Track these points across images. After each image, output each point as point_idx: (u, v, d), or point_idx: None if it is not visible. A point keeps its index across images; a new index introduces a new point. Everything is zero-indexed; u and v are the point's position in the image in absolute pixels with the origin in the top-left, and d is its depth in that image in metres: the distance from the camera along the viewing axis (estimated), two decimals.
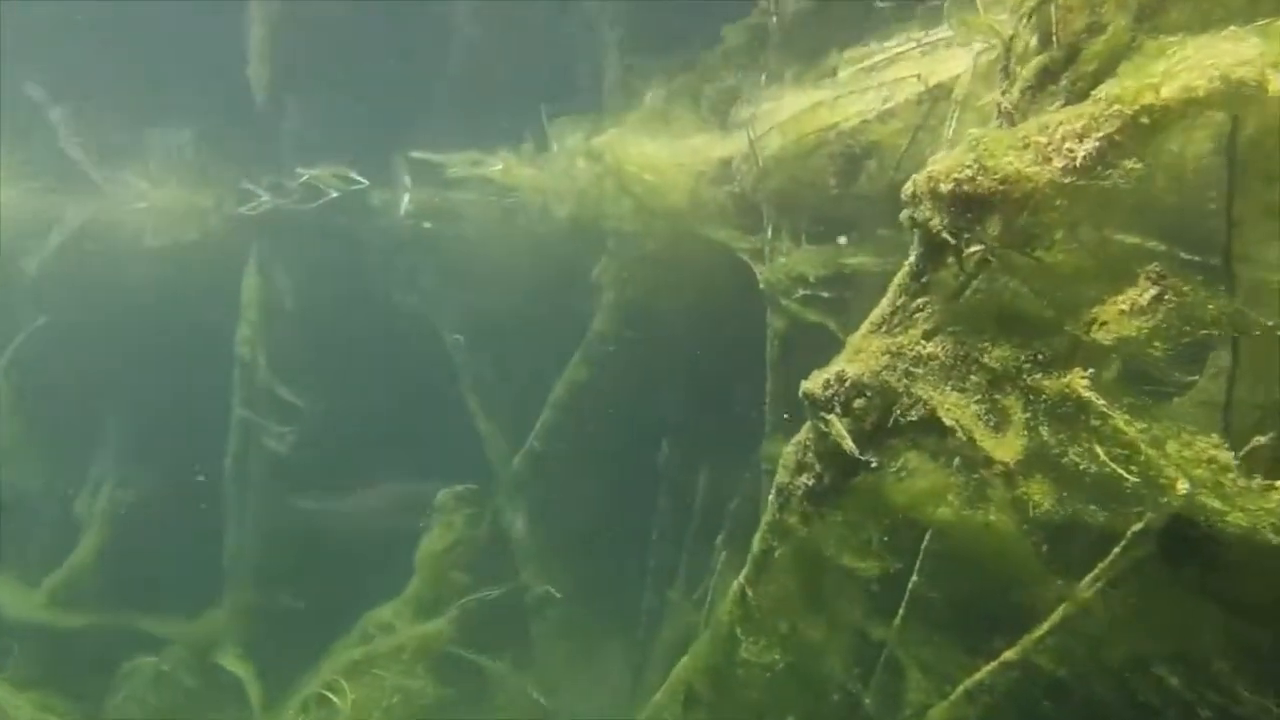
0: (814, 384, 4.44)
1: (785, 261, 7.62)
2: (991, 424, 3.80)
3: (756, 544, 5.48)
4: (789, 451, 4.95)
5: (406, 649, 8.00)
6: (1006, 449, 3.70)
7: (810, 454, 4.73)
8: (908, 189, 4.07)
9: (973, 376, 3.83)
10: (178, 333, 12.53)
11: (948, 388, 3.90)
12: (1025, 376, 3.72)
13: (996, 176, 3.57)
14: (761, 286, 8.16)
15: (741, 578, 5.62)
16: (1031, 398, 3.71)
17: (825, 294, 7.36)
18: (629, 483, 12.09)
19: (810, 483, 4.76)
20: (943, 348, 3.92)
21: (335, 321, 13.12)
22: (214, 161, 12.97)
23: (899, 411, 4.15)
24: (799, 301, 7.61)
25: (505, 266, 13.30)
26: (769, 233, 7.99)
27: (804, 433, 4.86)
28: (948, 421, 3.86)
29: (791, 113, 7.55)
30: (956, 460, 4.49)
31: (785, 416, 8.09)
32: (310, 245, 12.95)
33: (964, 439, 3.81)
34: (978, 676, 5.33)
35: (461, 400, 12.00)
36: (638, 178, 9.02)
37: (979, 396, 3.82)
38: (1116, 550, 4.17)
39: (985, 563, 4.57)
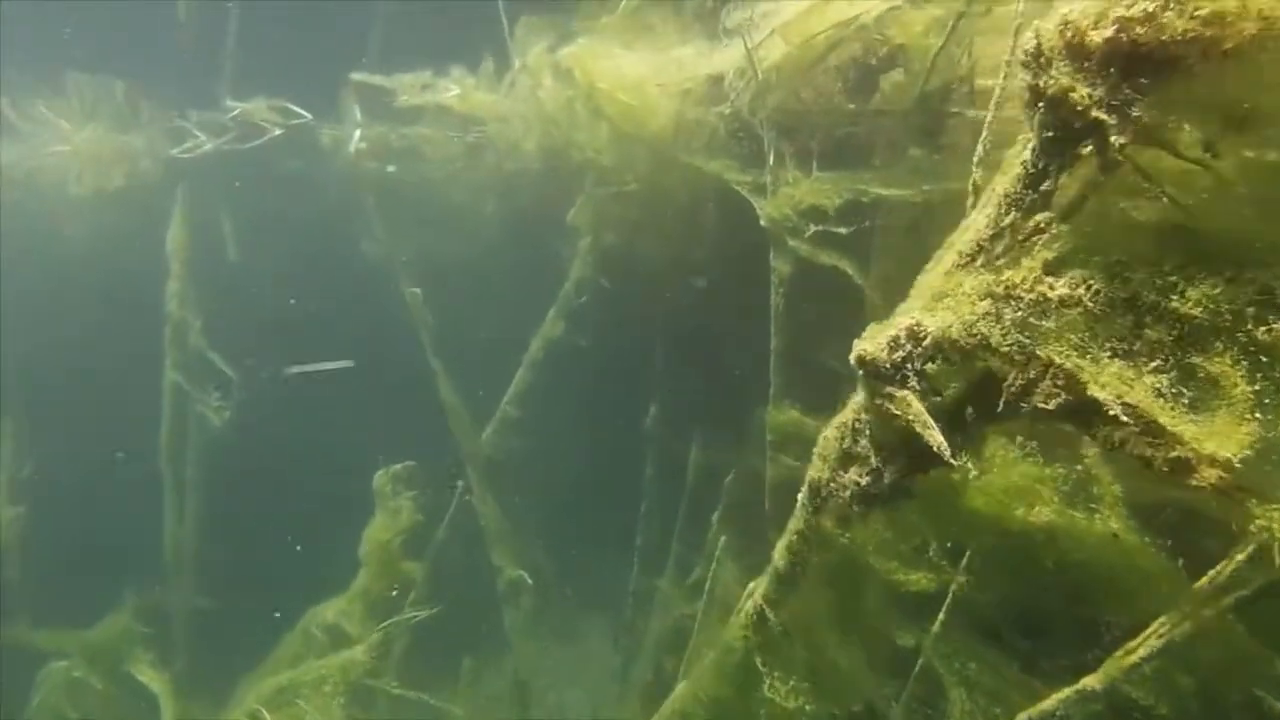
0: (874, 344, 3.10)
1: (792, 193, 6.27)
2: (1184, 403, 2.46)
3: (781, 556, 4.20)
4: (829, 438, 3.63)
5: (328, 680, 6.76)
6: (1226, 440, 2.36)
7: (863, 442, 3.39)
8: (1028, 43, 2.66)
9: (1146, 330, 2.48)
10: (106, 290, 11.19)
11: (1100, 348, 2.55)
12: (1245, 328, 2.37)
13: (1197, 14, 2.20)
14: (763, 224, 6.81)
15: (759, 596, 4.34)
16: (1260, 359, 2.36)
17: (842, 230, 5.99)
18: (612, 452, 10.83)
19: (863, 481, 3.43)
20: (1086, 288, 2.56)
21: (285, 275, 11.78)
22: (145, 100, 11.50)
23: (1013, 384, 2.80)
24: (809, 241, 6.26)
25: (471, 211, 11.92)
26: (771, 160, 6.62)
27: (851, 412, 3.53)
28: (1107, 401, 2.52)
29: (796, 12, 6.17)
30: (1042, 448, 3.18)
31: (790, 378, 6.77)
32: (253, 190, 11.52)
33: (1133, 425, 2.46)
34: (1046, 706, 4.13)
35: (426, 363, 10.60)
36: (612, 99, 7.66)
37: (1159, 361, 2.47)
38: None
39: (1088, 578, 3.27)
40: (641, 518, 10.07)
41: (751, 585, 5.70)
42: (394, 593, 7.85)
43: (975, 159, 3.51)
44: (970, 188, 3.42)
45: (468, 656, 10.16)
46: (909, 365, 2.99)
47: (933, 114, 5.64)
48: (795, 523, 4.01)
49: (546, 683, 10.62)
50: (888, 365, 3.05)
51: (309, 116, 10.81)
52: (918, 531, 3.57)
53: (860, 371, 3.17)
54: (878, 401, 3.15)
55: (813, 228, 6.37)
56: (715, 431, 9.47)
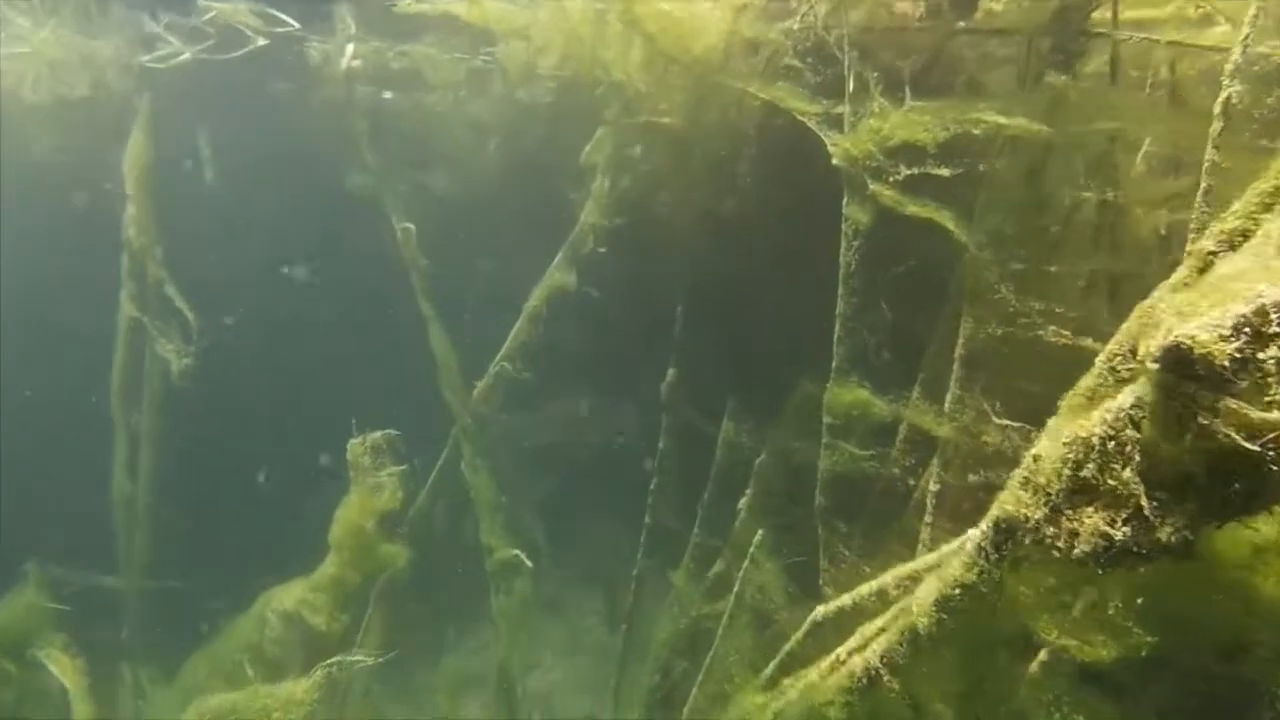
0: (1200, 331, 1.94)
1: (878, 126, 5.10)
2: None
3: (926, 613, 3.07)
4: (1050, 459, 2.48)
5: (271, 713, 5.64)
6: None
7: (1126, 473, 2.24)
8: None
9: None
10: (61, 211, 9.96)
11: None
12: None
13: None
14: (836, 164, 5.65)
15: (875, 653, 3.18)
16: None
17: (943, 172, 4.84)
18: (620, 419, 9.74)
19: (1122, 531, 2.28)
20: None
21: (263, 203, 10.54)
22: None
23: None
24: (895, 185, 5.11)
25: (472, 147, 10.87)
26: (850, 86, 5.45)
27: (1105, 425, 2.37)
28: None
29: None
30: None
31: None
32: (230, 108, 10.23)
33: None
34: None
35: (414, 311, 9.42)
36: (653, 11, 6.46)
37: None
38: None
39: None
40: (652, 494, 8.92)
41: (820, 611, 4.62)
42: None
43: None
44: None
45: (451, 628, 9.09)
46: (1246, 363, 1.85)
47: (1073, 34, 4.46)
48: (961, 571, 2.89)
49: (531, 659, 9.58)
50: (1220, 362, 1.92)
51: (296, 25, 9.56)
52: (1158, 599, 2.46)
53: (1159, 368, 2.03)
54: (1181, 414, 2.01)
55: (900, 169, 5.19)
56: (743, 405, 8.35)
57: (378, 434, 6.85)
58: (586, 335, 9.65)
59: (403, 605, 8.31)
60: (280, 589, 6.98)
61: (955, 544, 3.23)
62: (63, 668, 6.94)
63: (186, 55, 10.17)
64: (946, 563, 2.95)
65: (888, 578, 3.75)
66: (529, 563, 8.17)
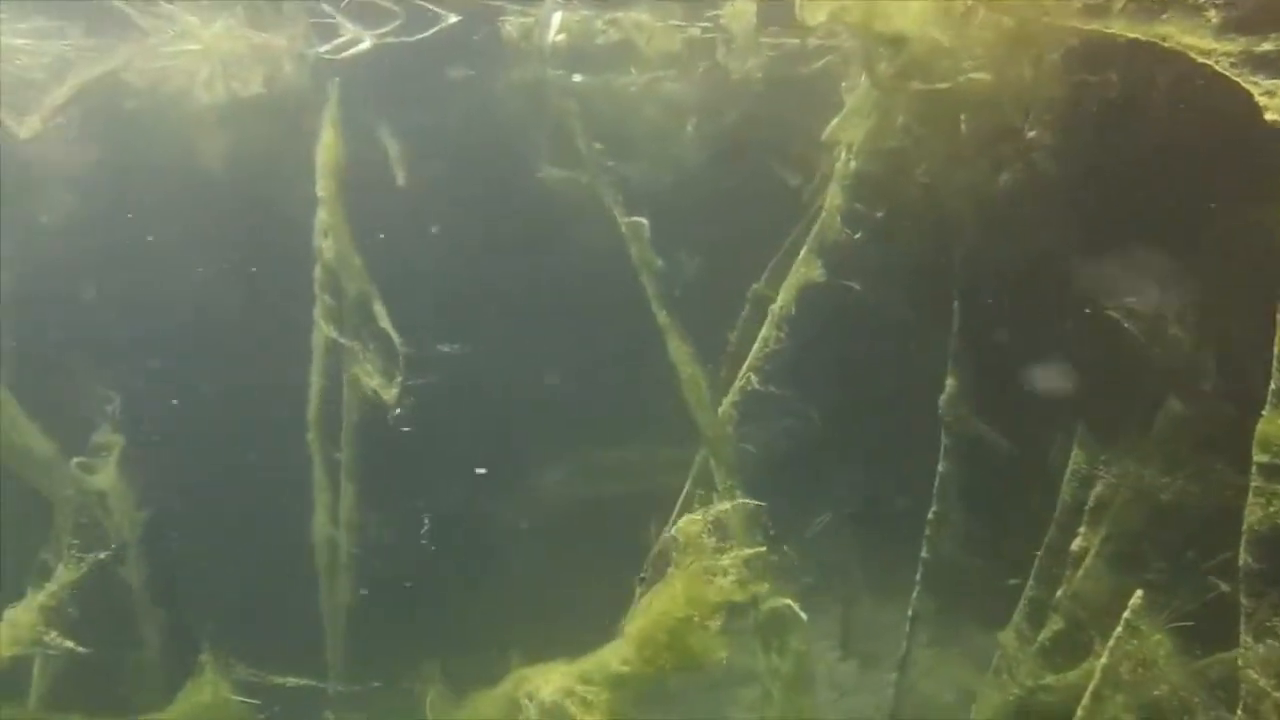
0: None
1: None
2: None
3: None
4: None
5: None
6: None
7: None
8: None
9: None
10: (245, 220, 9.05)
11: None
12: None
13: None
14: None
15: None
16: None
17: None
18: (888, 436, 8.34)
19: None
20: None
21: (461, 206, 9.40)
22: None
23: None
24: None
25: (667, 130, 9.57)
26: None
27: None
28: None
29: None
30: None
31: None
32: (408, 94, 9.29)
33: None
34: None
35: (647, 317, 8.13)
36: None
37: None
38: None
39: None
40: (930, 524, 7.55)
41: None
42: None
43: None
44: None
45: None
46: None
47: None
48: None
49: None
50: None
51: None
52: None
53: None
54: None
55: None
56: (1050, 421, 6.93)
57: (737, 503, 5.56)
58: (835, 338, 8.29)
59: None
60: (536, 672, 5.80)
61: None
62: None
63: (366, 43, 9.11)
64: None
65: None
66: (803, 615, 6.83)
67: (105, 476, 8.20)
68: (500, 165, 9.59)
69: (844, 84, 8.00)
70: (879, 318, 8.20)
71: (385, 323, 7.72)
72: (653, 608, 5.48)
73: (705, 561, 5.26)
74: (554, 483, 9.67)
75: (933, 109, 6.95)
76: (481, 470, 9.31)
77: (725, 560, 5.25)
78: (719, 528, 5.60)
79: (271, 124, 9.03)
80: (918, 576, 7.71)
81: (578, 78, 9.64)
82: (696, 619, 5.26)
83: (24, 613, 7.27)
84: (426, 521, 8.99)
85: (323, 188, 8.16)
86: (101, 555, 7.67)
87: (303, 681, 8.01)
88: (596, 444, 9.69)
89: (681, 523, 5.50)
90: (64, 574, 7.19)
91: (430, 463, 8.98)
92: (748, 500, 6.03)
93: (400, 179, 8.88)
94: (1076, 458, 6.18)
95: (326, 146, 8.27)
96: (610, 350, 9.30)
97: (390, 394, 7.71)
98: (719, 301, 8.69)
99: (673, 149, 9.66)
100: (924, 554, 7.70)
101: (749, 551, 5.41)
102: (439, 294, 9.32)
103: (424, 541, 8.92)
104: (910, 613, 7.76)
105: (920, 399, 7.76)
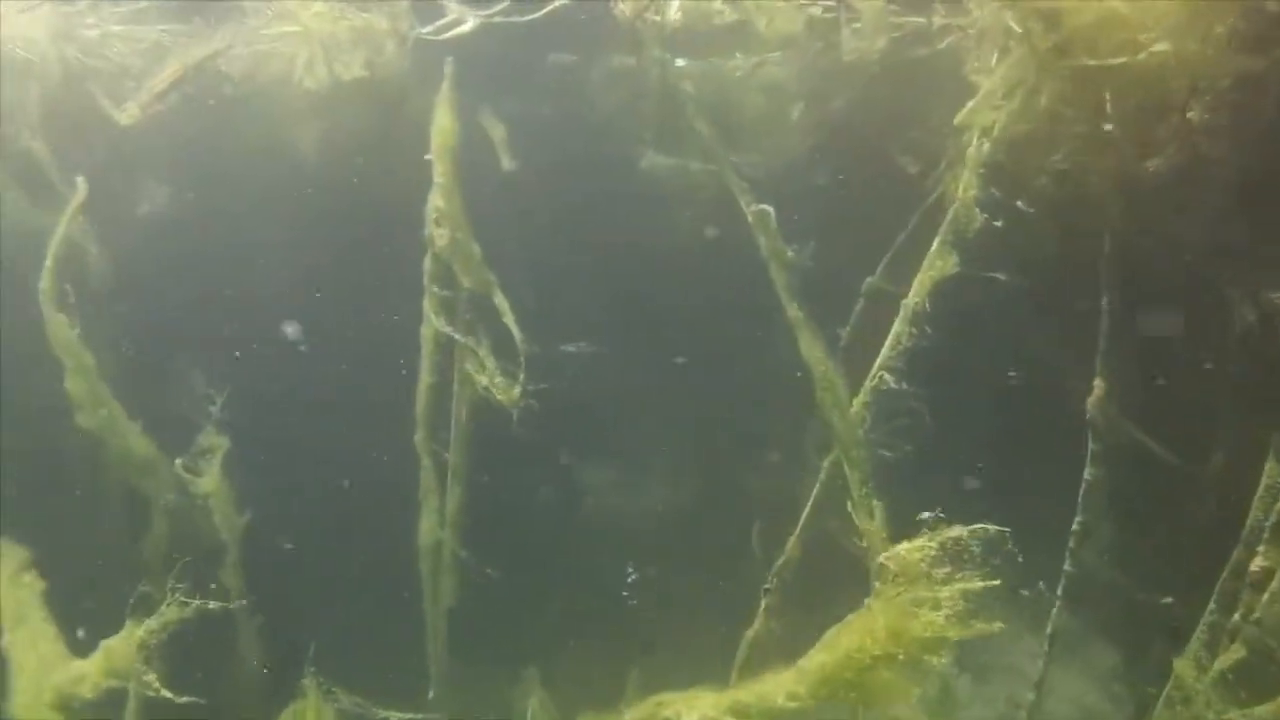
0: None
1: None
2: None
3: None
4: None
5: None
6: None
7: None
8: None
9: None
10: (347, 209, 8.78)
11: None
12: None
13: None
14: None
15: None
16: None
17: None
18: (1027, 440, 7.86)
19: None
20: None
21: (562, 195, 9.01)
22: None
23: None
24: None
25: (771, 117, 9.14)
26: None
27: None
28: None
29: None
30: None
31: None
32: (510, 79, 8.96)
33: None
34: None
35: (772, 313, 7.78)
36: None
37: None
38: None
39: None
40: (1074, 535, 7.08)
41: None
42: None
43: None
44: None
45: None
46: None
47: None
48: None
49: None
50: None
51: None
52: None
53: None
54: None
55: None
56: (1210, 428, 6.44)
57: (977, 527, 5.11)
58: (970, 334, 7.84)
59: None
60: (679, 699, 5.39)
61: None
62: None
63: (470, 24, 8.74)
64: None
65: None
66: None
67: (209, 480, 7.87)
68: (601, 154, 9.21)
69: (970, 65, 7.51)
70: (1018, 313, 7.68)
71: (509, 318, 7.30)
72: (840, 641, 5.02)
73: (917, 592, 4.78)
74: (657, 486, 9.26)
75: (1089, 87, 6.47)
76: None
77: (945, 591, 4.78)
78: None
79: (374, 109, 8.68)
80: (1059, 591, 7.23)
81: (681, 62, 9.24)
82: (896, 657, 4.81)
83: (122, 645, 7.00)
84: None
85: (440, 173, 7.75)
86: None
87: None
88: (705, 446, 9.28)
89: (901, 548, 5.04)
90: (168, 614, 6.85)
91: (536, 464, 8.66)
92: (987, 526, 5.41)
93: (507, 164, 8.47)
94: (1271, 470, 5.65)
95: (442, 130, 7.85)
96: (721, 347, 8.88)
97: (510, 394, 7.30)
98: (829, 296, 8.24)
99: (777, 136, 9.20)
100: (1067, 566, 7.21)
101: (979, 583, 4.88)
102: (540, 289, 8.95)
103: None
104: (1049, 630, 7.28)
105: (1064, 401, 7.27)
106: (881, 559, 5.13)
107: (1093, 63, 6.04)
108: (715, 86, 9.26)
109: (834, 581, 8.48)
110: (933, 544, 4.95)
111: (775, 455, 9.15)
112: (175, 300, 8.85)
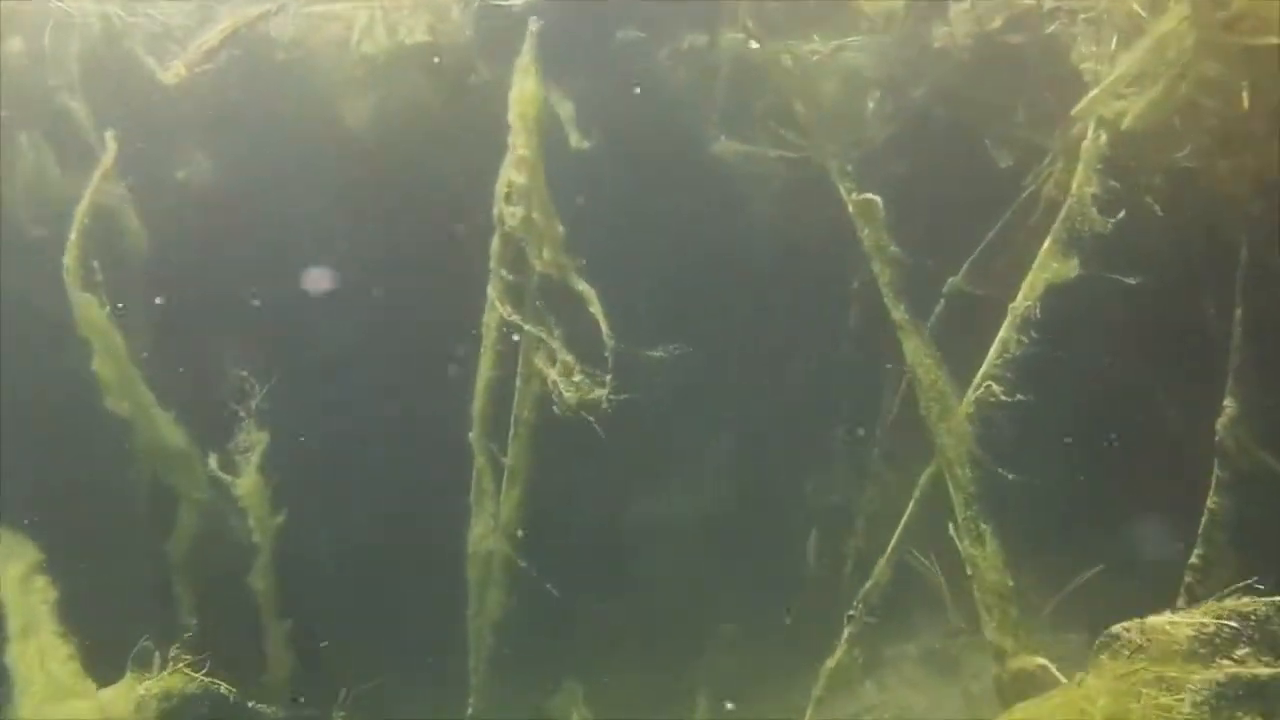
0: None
1: None
2: None
3: None
4: None
5: None
6: None
7: None
8: None
9: None
10: (405, 184, 8.22)
11: None
12: None
13: None
14: None
15: None
16: None
17: None
18: (1147, 462, 7.23)
19: None
20: None
21: (629, 177, 8.44)
22: None
23: None
24: None
25: (844, 106, 8.46)
26: None
27: None
28: None
29: None
30: None
31: None
32: (574, 54, 8.20)
33: None
34: None
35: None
36: None
37: None
38: None
39: None
40: (1190, 571, 6.44)
41: None
42: None
43: None
44: None
45: None
46: None
47: None
48: None
49: None
50: None
51: None
52: None
53: None
54: None
55: None
56: None
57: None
58: (1091, 343, 7.23)
59: None
60: None
61: None
62: None
63: None
64: None
65: None
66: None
67: (246, 480, 7.24)
68: (669, 137, 8.65)
69: (1078, 52, 6.96)
70: (1137, 322, 7.06)
71: (595, 307, 6.65)
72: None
73: (1164, 672, 4.08)
74: (725, 495, 8.71)
75: (1248, 72, 5.85)
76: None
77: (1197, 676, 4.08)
78: None
79: (435, 78, 8.08)
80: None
81: (754, 44, 8.66)
82: None
83: (121, 699, 6.36)
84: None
85: (521, 145, 7.09)
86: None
87: None
88: (773, 453, 8.71)
89: (1163, 619, 4.35)
90: (170, 681, 6.22)
91: (594, 468, 8.08)
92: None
93: (575, 142, 7.86)
94: None
95: (523, 97, 7.19)
96: (802, 348, 8.31)
97: (595, 395, 6.64)
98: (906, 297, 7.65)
99: (855, 125, 8.61)
100: (1180, 603, 6.58)
101: (1257, 670, 4.15)
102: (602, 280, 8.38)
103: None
104: None
105: (1189, 421, 6.65)
106: (1118, 628, 4.42)
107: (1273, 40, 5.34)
108: (793, 72, 8.70)
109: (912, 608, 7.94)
110: (1208, 618, 4.23)
111: (833, 464, 8.62)
112: (214, 279, 8.23)
